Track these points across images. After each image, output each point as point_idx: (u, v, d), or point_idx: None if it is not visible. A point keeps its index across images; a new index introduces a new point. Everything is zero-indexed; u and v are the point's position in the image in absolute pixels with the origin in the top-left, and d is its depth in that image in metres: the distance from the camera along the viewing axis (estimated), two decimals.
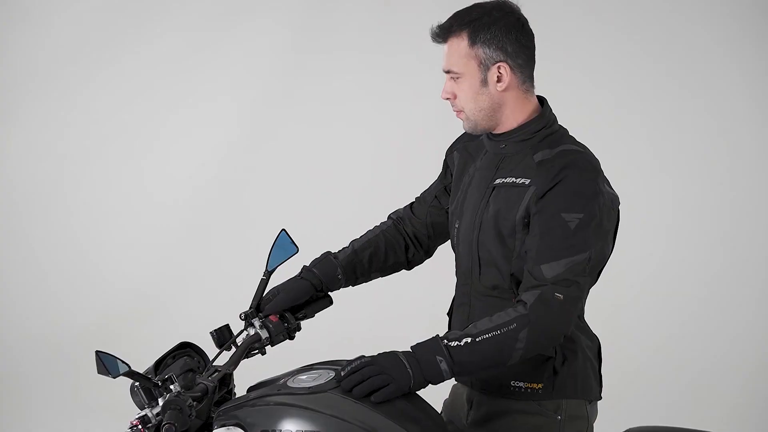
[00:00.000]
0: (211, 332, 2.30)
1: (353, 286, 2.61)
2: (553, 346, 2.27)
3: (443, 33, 2.33)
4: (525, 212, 2.26)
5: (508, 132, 2.35)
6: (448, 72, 2.34)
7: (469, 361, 2.12)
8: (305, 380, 2.14)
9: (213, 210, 5.58)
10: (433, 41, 2.37)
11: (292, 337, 2.38)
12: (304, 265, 2.51)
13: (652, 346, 5.04)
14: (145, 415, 2.07)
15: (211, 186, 5.60)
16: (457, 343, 2.12)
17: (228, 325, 2.33)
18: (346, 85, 5.49)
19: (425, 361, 2.11)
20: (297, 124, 5.55)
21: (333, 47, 5.50)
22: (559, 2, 5.34)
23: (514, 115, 2.34)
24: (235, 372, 2.24)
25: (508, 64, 2.29)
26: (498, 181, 2.34)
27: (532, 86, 2.36)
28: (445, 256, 4.71)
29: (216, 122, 5.60)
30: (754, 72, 5.25)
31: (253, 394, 2.15)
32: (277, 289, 2.42)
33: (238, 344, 2.28)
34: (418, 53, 5.36)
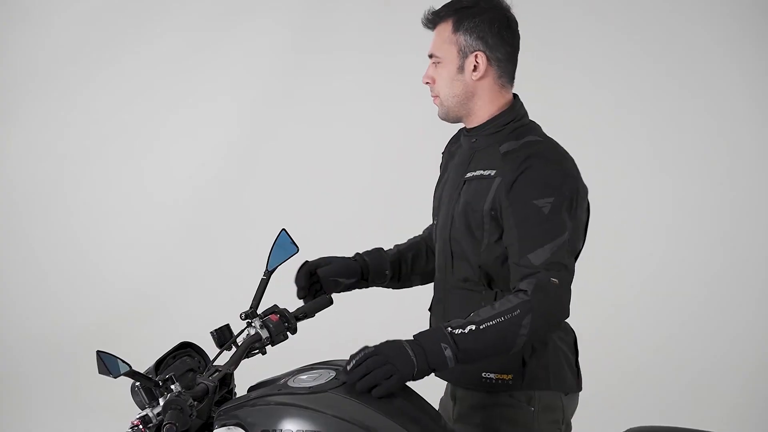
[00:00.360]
0: (211, 332, 2.30)
1: (393, 288, 2.68)
2: (552, 332, 2.30)
3: (433, 19, 2.41)
4: (492, 204, 2.31)
5: (479, 126, 2.42)
6: (431, 56, 2.41)
7: (474, 349, 2.14)
8: (306, 380, 2.14)
9: (213, 210, 5.59)
10: (424, 27, 2.43)
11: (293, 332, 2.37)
12: (357, 252, 2.59)
13: (652, 346, 5.04)
14: (146, 415, 2.07)
15: (211, 186, 5.60)
16: (461, 330, 2.14)
17: (228, 325, 2.33)
18: (346, 85, 5.49)
19: (430, 349, 2.12)
20: (297, 124, 5.55)
21: (333, 47, 5.51)
22: (559, 2, 5.34)
23: (486, 107, 2.41)
24: (235, 372, 2.24)
25: (486, 54, 2.36)
26: (468, 174, 2.40)
27: (509, 83, 2.44)
28: None
29: (216, 122, 5.61)
30: (754, 72, 5.25)
31: (253, 394, 2.15)
32: (329, 259, 2.51)
33: (239, 344, 2.27)
34: (418, 53, 5.36)
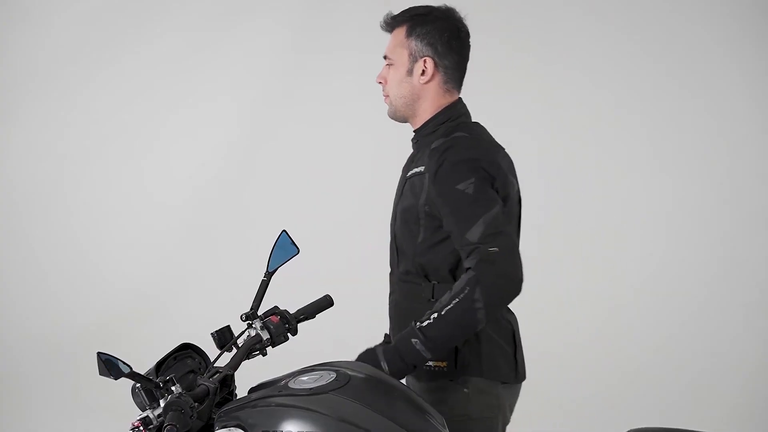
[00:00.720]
0: (212, 333, 2.30)
1: None
2: (515, 296, 2.35)
3: (391, 23, 2.58)
4: (426, 199, 2.45)
5: (421, 126, 2.59)
6: (385, 58, 2.59)
7: (440, 335, 2.25)
8: (306, 381, 2.14)
9: (213, 210, 5.58)
10: (382, 30, 2.60)
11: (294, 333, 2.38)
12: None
13: (653, 346, 5.04)
14: (147, 416, 2.07)
15: (211, 186, 5.60)
16: (427, 321, 2.26)
17: (229, 326, 2.33)
18: (346, 85, 5.49)
19: (403, 348, 2.26)
20: (297, 124, 5.55)
21: (333, 47, 5.51)
22: (559, 2, 5.34)
23: (429, 110, 2.56)
24: (236, 373, 2.24)
25: (434, 60, 2.53)
26: (409, 173, 2.55)
27: (455, 89, 2.59)
28: None
29: (216, 122, 5.60)
30: (754, 72, 5.25)
31: (254, 395, 2.15)
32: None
33: (239, 345, 2.28)
34: None
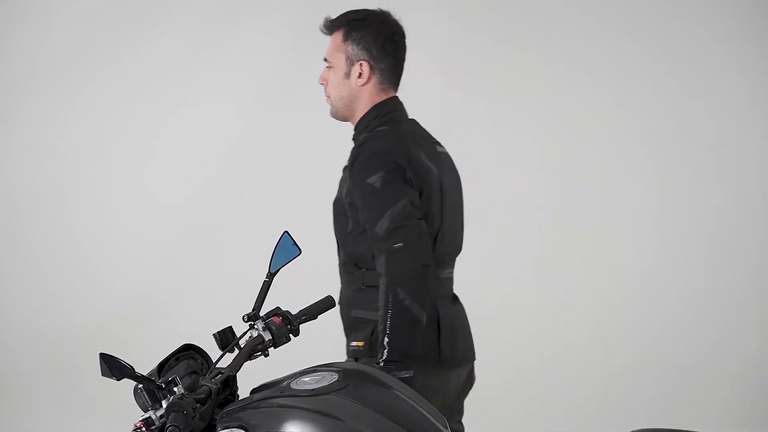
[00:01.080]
0: (214, 334, 2.30)
1: None
2: (428, 276, 2.50)
3: (330, 26, 2.72)
4: (347, 191, 2.64)
5: (356, 124, 2.74)
6: (325, 60, 2.74)
7: (402, 348, 2.44)
8: (308, 382, 2.14)
9: (213, 210, 5.58)
10: (322, 32, 2.74)
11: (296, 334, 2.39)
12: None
13: (654, 347, 5.05)
14: (149, 417, 2.07)
15: (212, 186, 5.60)
16: (383, 354, 2.44)
17: (231, 327, 2.33)
18: None
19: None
20: (297, 124, 5.55)
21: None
22: (559, 2, 5.34)
23: (365, 109, 2.71)
24: (238, 374, 2.24)
25: (370, 64, 2.68)
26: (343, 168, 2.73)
27: (391, 88, 2.74)
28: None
29: (216, 122, 5.60)
30: (754, 72, 5.25)
31: (256, 396, 2.15)
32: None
33: (241, 346, 2.28)
34: (418, 53, 5.37)
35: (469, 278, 5.19)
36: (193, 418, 2.00)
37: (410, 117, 2.80)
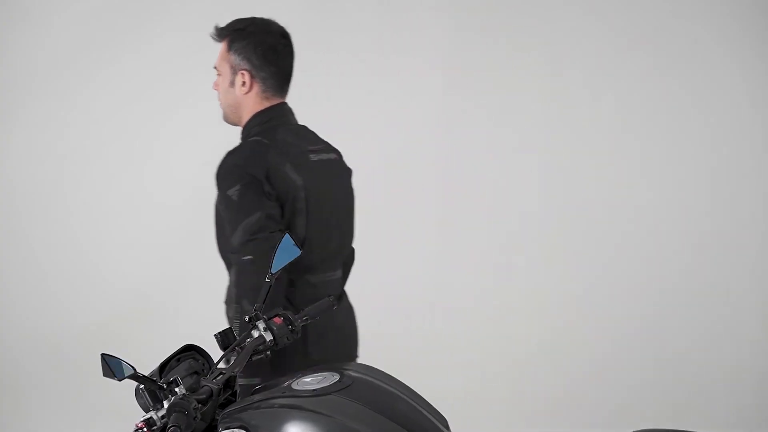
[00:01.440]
0: (215, 335, 2.31)
1: None
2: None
3: (218, 35, 2.87)
4: (216, 201, 2.81)
5: (241, 131, 2.85)
6: (215, 68, 2.88)
7: None
8: (309, 382, 2.15)
9: (213, 210, 5.57)
10: (213, 40, 2.89)
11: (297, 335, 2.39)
12: None
13: (656, 346, 5.05)
14: (150, 417, 2.08)
15: (212, 186, 5.58)
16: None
17: (232, 327, 2.33)
18: (347, 85, 5.49)
19: None
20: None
21: (333, 47, 5.50)
22: (560, 2, 5.34)
23: (248, 116, 2.82)
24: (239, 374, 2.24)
25: (251, 73, 2.79)
26: None
27: (276, 95, 2.83)
28: (449, 258, 4.71)
29: (216, 122, 5.57)
30: (754, 72, 5.25)
31: (257, 397, 2.16)
32: None
33: (243, 347, 2.28)
34: (418, 53, 5.37)
35: (470, 278, 5.22)
36: (194, 419, 2.00)
37: (300, 123, 2.92)
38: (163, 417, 2.06)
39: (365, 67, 5.49)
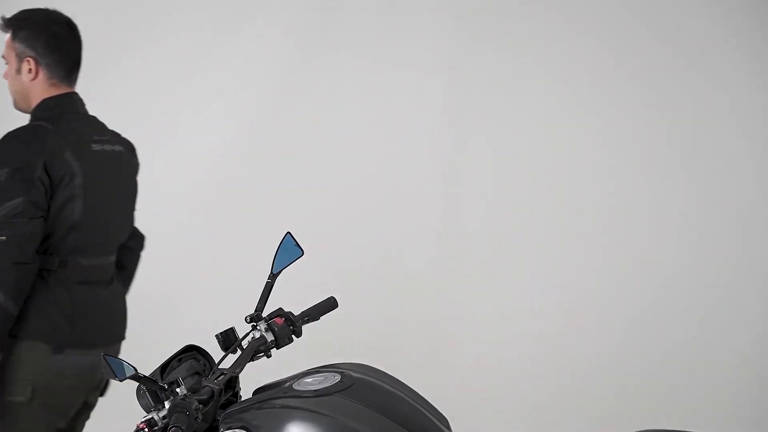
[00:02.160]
0: (216, 335, 2.30)
1: None
2: (28, 275, 2.73)
3: (5, 25, 2.95)
4: None
5: (30, 117, 2.94)
6: (3, 57, 2.97)
7: None
8: (311, 383, 2.15)
9: (215, 211, 5.57)
10: (2, 30, 2.96)
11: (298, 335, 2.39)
12: None
13: (657, 346, 5.04)
14: (152, 417, 2.08)
15: (213, 187, 5.59)
16: None
17: (233, 328, 2.33)
18: (348, 85, 5.49)
19: None
20: (300, 125, 5.54)
21: (334, 47, 5.50)
22: (560, 2, 5.34)
23: (36, 102, 2.93)
24: (240, 375, 2.24)
25: (36, 60, 2.91)
26: None
27: (63, 83, 2.96)
28: (449, 258, 4.68)
29: (216, 123, 5.59)
30: (754, 72, 5.25)
31: (258, 397, 2.16)
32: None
33: (244, 347, 2.28)
34: (419, 53, 5.37)
35: (470, 278, 5.22)
36: (195, 419, 2.00)
37: (91, 114, 3.08)
38: (164, 417, 2.07)
39: (365, 67, 5.49)
